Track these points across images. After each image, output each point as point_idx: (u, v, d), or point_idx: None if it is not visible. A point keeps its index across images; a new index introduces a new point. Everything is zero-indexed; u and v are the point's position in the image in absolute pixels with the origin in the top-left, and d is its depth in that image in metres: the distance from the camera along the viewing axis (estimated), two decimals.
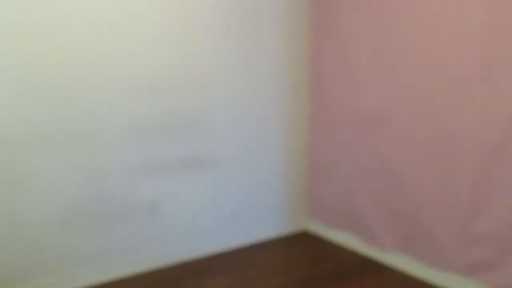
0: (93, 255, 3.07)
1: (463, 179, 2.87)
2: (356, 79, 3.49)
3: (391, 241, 3.38)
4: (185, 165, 3.36)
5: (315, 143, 3.94)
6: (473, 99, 2.77)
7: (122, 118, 3.05)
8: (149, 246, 3.29)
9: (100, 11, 2.89)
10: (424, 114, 3.05)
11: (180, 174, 3.35)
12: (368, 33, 3.35)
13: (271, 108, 3.75)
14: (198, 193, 3.47)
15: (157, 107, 3.18)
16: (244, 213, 3.74)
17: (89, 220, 3.02)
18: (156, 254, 3.32)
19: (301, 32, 3.83)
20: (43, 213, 2.85)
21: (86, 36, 2.86)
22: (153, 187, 3.24)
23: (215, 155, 3.50)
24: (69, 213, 2.94)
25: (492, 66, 2.66)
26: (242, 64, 3.54)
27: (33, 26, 2.69)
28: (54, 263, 2.94)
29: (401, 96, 3.18)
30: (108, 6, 2.92)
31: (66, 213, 2.93)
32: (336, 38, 3.61)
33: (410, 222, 3.22)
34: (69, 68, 2.83)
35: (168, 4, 3.14)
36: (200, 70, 3.34)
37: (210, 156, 3.47)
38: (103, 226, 3.08)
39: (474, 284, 2.89)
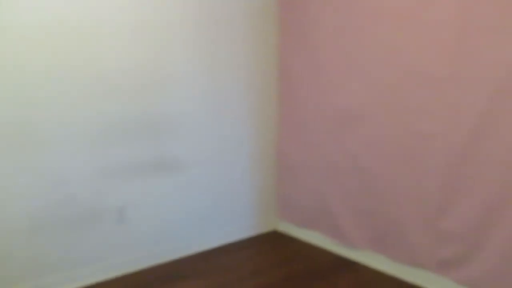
0: (59, 264, 2.97)
1: (432, 177, 2.92)
2: (325, 79, 3.49)
3: (362, 239, 3.40)
4: (153, 168, 3.29)
5: (284, 144, 3.93)
6: (442, 98, 2.81)
7: (87, 120, 2.95)
8: (117, 252, 3.22)
9: (65, 10, 2.78)
10: (394, 114, 3.07)
11: (148, 177, 3.28)
12: (338, 33, 3.36)
13: (240, 109, 3.72)
14: (167, 196, 3.41)
15: (124, 109, 3.10)
16: (214, 215, 3.70)
17: (54, 228, 2.92)
18: (125, 260, 3.25)
19: (269, 33, 3.80)
20: (4, 222, 2.74)
21: (50, 36, 2.75)
22: (120, 192, 3.16)
23: (184, 158, 3.44)
24: (33, 221, 2.83)
25: (460, 66, 2.70)
26: (211, 66, 3.49)
27: None
28: (19, 274, 2.83)
29: (371, 96, 3.20)
30: (73, 6, 2.81)
31: (29, 221, 2.82)
32: (305, 38, 3.60)
33: (380, 220, 3.26)
34: (32, 68, 2.71)
35: (135, 5, 3.06)
36: (168, 71, 3.28)
37: (178, 158, 3.41)
38: (69, 234, 2.98)
39: (443, 280, 2.94)
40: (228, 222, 3.79)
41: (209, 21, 3.43)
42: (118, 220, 3.18)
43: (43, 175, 2.83)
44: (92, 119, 2.98)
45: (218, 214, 3.72)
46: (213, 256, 3.56)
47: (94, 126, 2.99)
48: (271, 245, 3.79)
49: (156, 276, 3.23)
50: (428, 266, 3.00)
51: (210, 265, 3.40)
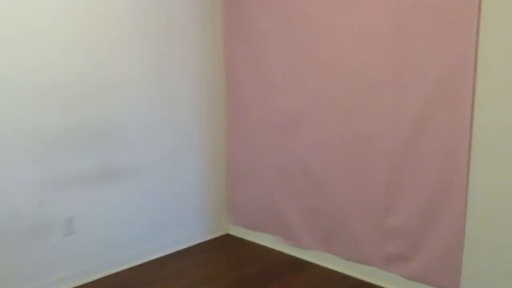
0: (4, 282, 2.85)
1: (376, 177, 3.02)
2: (270, 84, 3.54)
3: (312, 240, 3.47)
4: (100, 177, 3.22)
5: (232, 148, 3.95)
6: (383, 101, 2.91)
7: (31, 129, 2.85)
8: (65, 265, 3.12)
9: (7, 16, 2.67)
10: (338, 117, 3.16)
11: (96, 186, 3.21)
12: (281, 39, 3.41)
13: (188, 115, 3.70)
14: (116, 205, 3.34)
15: (69, 117, 3.02)
16: (165, 222, 3.67)
17: None
18: (73, 273, 3.16)
19: (216, 39, 3.81)
20: None
21: None
22: (67, 203, 3.07)
23: (132, 165, 3.39)
24: None
25: (399, 70, 2.82)
26: (158, 72, 3.46)
27: None
28: None
29: (315, 100, 3.27)
30: (16, 12, 2.71)
31: None
32: (250, 44, 3.63)
33: (328, 220, 3.34)
34: None
35: (80, 11, 2.98)
36: (114, 78, 3.21)
37: (127, 166, 3.36)
38: (13, 249, 2.87)
39: (390, 276, 3.05)
40: (179, 228, 3.77)
41: (155, 27, 3.40)
42: (65, 232, 3.09)
43: None
44: (35, 129, 2.88)
45: (168, 221, 3.69)
46: (164, 263, 3.53)
47: (37, 137, 2.90)
48: (223, 250, 3.80)
49: (107, 287, 3.17)
50: (376, 263, 3.10)
51: (161, 273, 3.36)
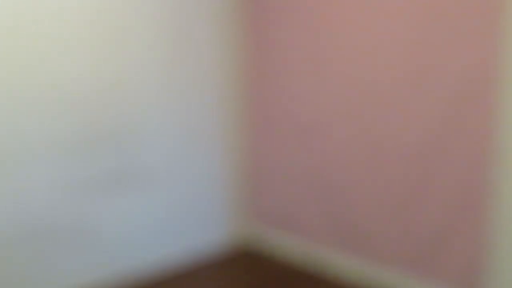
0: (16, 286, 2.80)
1: (399, 183, 3.03)
2: (294, 88, 3.56)
3: (333, 245, 3.45)
4: (113, 180, 3.13)
5: (253, 154, 3.95)
6: (405, 105, 2.94)
7: (40, 132, 2.80)
8: (76, 272, 3.04)
9: (12, 14, 2.64)
10: (359, 122, 3.19)
11: (110, 191, 3.11)
12: (305, 43, 3.44)
13: (206, 116, 3.62)
14: (129, 211, 3.24)
15: (81, 119, 2.95)
16: (181, 229, 3.55)
17: (6, 249, 2.74)
18: (82, 280, 3.08)
19: (237, 39, 3.76)
20: None
21: None
22: (81, 208, 3.00)
23: (147, 168, 3.30)
24: None
25: (421, 75, 2.84)
26: (173, 70, 3.39)
27: None
28: None
29: (338, 107, 3.31)
30: (22, 10, 2.68)
31: None
32: (273, 46, 3.66)
33: (351, 225, 3.33)
34: None
35: (88, 5, 2.93)
36: (127, 77, 3.15)
37: (141, 169, 3.27)
38: (25, 255, 2.81)
39: (412, 279, 3.03)
40: (197, 235, 3.65)
41: (173, 23, 3.33)
42: (78, 238, 3.02)
43: None
44: (48, 131, 2.82)
45: (185, 228, 3.56)
46: (182, 273, 3.42)
47: (51, 139, 2.84)
48: (242, 257, 3.70)
49: None
50: (398, 270, 3.09)
51: (178, 284, 3.27)
